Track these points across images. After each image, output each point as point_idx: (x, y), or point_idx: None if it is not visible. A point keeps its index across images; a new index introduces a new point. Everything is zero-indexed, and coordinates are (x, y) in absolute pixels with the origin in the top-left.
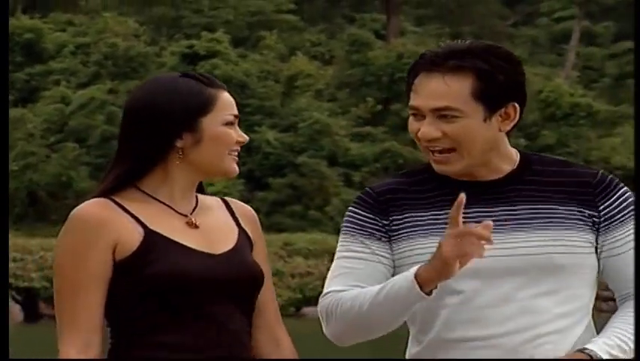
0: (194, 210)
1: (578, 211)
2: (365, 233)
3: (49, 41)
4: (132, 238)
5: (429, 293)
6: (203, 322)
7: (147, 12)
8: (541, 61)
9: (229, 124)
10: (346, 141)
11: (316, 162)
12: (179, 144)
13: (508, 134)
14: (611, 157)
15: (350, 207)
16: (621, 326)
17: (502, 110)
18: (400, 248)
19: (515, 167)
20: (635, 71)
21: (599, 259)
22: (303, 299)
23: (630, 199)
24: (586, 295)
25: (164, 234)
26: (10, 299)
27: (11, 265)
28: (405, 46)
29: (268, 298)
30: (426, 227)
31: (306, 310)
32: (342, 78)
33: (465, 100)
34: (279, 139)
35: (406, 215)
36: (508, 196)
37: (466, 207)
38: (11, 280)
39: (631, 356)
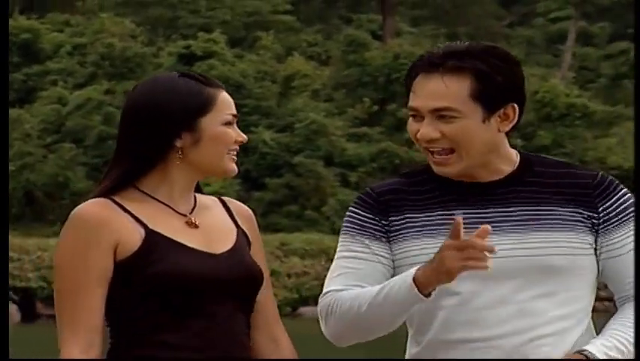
0: (193, 209)
1: (577, 213)
2: (365, 233)
3: (47, 42)
4: (133, 238)
5: (428, 295)
6: (204, 321)
7: (144, 12)
8: (537, 61)
9: (228, 124)
10: (343, 142)
11: (313, 162)
12: (178, 143)
13: (507, 135)
14: (606, 157)
15: (350, 208)
16: (620, 328)
17: (501, 110)
18: (399, 249)
19: (515, 168)
20: (635, 71)
21: (598, 261)
22: (299, 299)
23: (630, 201)
24: (585, 297)
25: (165, 234)
26: None
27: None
28: (401, 46)
29: (267, 298)
30: (425, 228)
31: (303, 310)
32: (338, 79)
33: (463, 101)
34: (275, 139)
35: (406, 216)
36: (506, 198)
37: (465, 208)
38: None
39: (629, 357)
